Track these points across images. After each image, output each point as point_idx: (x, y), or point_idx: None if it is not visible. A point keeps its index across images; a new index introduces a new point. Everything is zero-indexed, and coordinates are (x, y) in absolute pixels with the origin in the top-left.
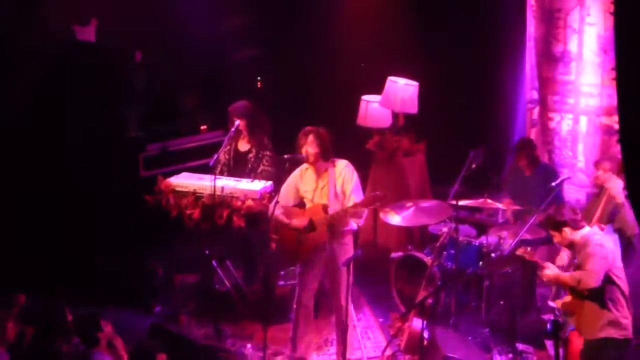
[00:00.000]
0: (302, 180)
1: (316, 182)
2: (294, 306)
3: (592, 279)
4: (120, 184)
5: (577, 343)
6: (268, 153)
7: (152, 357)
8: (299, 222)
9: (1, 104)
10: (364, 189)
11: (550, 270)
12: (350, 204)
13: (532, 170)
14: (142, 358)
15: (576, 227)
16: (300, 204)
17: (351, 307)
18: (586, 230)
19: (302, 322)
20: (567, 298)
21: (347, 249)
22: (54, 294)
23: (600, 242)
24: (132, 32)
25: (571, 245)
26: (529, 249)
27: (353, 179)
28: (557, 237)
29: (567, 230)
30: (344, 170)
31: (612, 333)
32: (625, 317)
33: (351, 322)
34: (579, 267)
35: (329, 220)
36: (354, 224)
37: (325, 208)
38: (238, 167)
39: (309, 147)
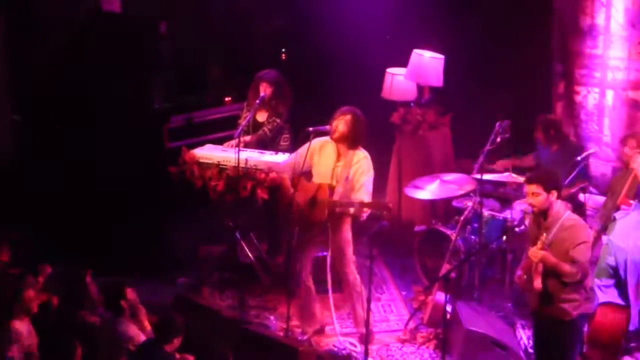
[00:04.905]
0: (320, 152)
1: (333, 160)
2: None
3: (586, 273)
4: (145, 155)
5: (602, 319)
6: (278, 121)
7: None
8: (300, 194)
9: (27, 74)
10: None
11: (544, 253)
12: (357, 196)
13: (558, 145)
14: (165, 332)
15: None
16: (308, 174)
17: (358, 279)
18: (561, 205)
19: (303, 300)
20: (538, 280)
21: (346, 230)
22: (77, 265)
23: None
24: (156, 2)
25: (542, 214)
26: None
27: (368, 173)
28: (539, 197)
29: (555, 193)
30: (362, 161)
31: (588, 308)
32: (591, 289)
33: (361, 295)
34: (564, 249)
35: (330, 205)
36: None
37: (331, 189)
38: None
39: (341, 124)
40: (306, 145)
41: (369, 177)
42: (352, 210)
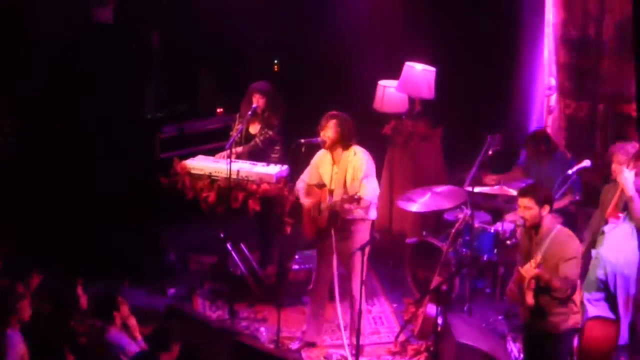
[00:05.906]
0: (321, 163)
1: (331, 168)
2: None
3: (575, 288)
4: (138, 165)
5: (592, 333)
6: (270, 133)
7: (167, 345)
8: (309, 202)
9: (20, 85)
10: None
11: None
12: (360, 192)
13: (549, 159)
14: (158, 343)
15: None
16: (323, 185)
17: (363, 293)
18: (553, 219)
19: (313, 308)
20: (530, 296)
21: (358, 237)
22: (68, 273)
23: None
24: (149, 13)
25: (534, 227)
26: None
27: (363, 166)
28: (532, 211)
29: (547, 208)
30: (353, 159)
31: (577, 322)
32: (581, 303)
33: (363, 308)
34: (554, 263)
35: (327, 208)
36: (361, 212)
37: (330, 194)
38: None
39: (328, 131)
40: (312, 161)
41: (365, 169)
42: (346, 205)
